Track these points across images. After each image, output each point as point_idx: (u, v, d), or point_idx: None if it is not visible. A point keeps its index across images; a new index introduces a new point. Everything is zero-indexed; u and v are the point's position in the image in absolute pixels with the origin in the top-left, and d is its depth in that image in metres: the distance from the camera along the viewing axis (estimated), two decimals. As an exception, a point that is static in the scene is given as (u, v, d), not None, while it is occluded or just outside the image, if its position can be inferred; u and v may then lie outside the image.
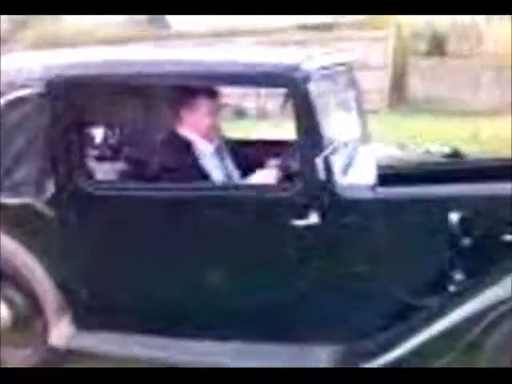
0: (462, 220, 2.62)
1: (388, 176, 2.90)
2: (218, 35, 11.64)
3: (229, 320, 2.83)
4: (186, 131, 3.13)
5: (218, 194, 2.85)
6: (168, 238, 2.87)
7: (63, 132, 2.91)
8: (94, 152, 3.42)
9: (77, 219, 2.95)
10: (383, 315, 2.77)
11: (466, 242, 2.64)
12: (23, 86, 2.93)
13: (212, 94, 3.13)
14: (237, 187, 2.97)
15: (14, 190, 2.99)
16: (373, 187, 2.76)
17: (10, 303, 3.05)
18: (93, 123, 3.52)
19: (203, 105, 3.10)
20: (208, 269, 2.81)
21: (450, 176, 2.97)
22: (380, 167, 3.03)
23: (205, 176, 3.03)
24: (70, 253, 2.98)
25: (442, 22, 11.79)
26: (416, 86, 12.05)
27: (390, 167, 3.24)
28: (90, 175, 3.06)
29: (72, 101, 2.91)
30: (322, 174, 2.60)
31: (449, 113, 10.49)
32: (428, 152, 3.71)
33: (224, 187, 2.95)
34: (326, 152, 2.63)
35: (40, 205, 2.96)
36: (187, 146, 3.09)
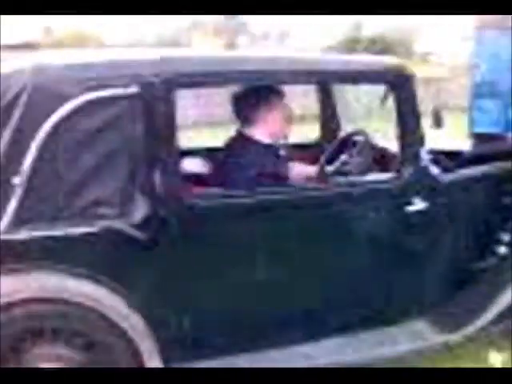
0: None
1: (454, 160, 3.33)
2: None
3: (338, 316, 2.94)
4: (258, 132, 3.09)
5: (340, 192, 2.87)
6: (283, 243, 2.74)
7: (161, 139, 2.53)
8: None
9: (180, 239, 2.58)
10: (455, 284, 3.13)
11: None
12: (110, 86, 2.50)
13: (282, 95, 3.14)
14: (353, 184, 2.96)
15: (88, 212, 2.49)
16: (453, 170, 3.15)
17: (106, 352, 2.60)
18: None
19: (279, 106, 3.11)
20: (333, 265, 2.87)
21: (497, 156, 3.32)
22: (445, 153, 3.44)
23: (286, 177, 3.04)
24: (169, 281, 2.62)
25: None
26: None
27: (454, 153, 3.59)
28: (189, 187, 2.73)
29: (172, 102, 2.55)
30: (425, 163, 2.91)
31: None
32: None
33: (340, 184, 2.96)
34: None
35: (129, 228, 2.50)
36: (274, 149, 3.11)
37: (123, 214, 2.50)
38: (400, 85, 2.87)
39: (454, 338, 2.92)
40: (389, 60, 3.02)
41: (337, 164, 3.14)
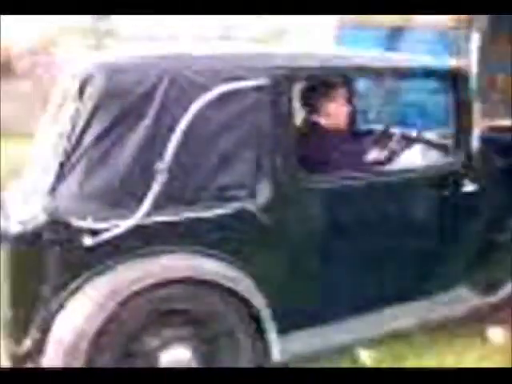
0: None
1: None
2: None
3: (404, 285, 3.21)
4: (325, 120, 3.29)
5: (411, 177, 3.16)
6: (379, 220, 3.06)
7: (283, 127, 2.75)
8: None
9: (298, 221, 2.81)
10: (491, 254, 3.47)
11: None
12: (242, 77, 2.68)
13: (349, 85, 3.51)
14: (414, 170, 3.22)
15: (221, 195, 2.66)
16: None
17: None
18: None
19: (343, 95, 3.36)
20: (407, 240, 3.15)
21: None
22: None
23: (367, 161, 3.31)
24: (288, 262, 2.82)
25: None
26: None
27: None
28: (311, 171, 2.90)
29: (292, 94, 2.81)
30: (474, 150, 3.24)
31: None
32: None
33: (407, 171, 3.22)
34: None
35: (257, 211, 2.68)
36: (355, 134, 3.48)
37: (252, 195, 2.70)
38: (460, 81, 3.22)
39: (494, 299, 3.33)
40: (451, 62, 3.45)
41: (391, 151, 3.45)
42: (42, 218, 2.46)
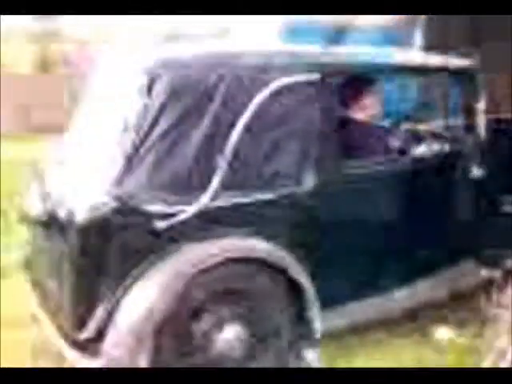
0: None
1: None
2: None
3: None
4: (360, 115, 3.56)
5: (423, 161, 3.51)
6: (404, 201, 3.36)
7: (330, 120, 3.05)
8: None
9: (339, 204, 3.07)
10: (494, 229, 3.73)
11: None
12: (296, 72, 2.94)
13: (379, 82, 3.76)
14: (437, 156, 3.57)
15: (272, 182, 2.90)
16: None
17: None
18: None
19: (375, 91, 3.65)
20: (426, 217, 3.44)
21: None
22: None
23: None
24: (331, 242, 3.04)
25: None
26: None
27: None
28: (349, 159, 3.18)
29: (336, 88, 3.12)
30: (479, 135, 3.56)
31: None
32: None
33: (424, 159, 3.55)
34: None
35: (303, 195, 2.94)
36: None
37: (298, 183, 2.95)
38: (470, 77, 3.56)
39: (497, 274, 3.36)
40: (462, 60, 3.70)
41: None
42: (111, 205, 2.60)
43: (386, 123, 4.00)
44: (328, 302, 2.97)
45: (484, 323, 2.91)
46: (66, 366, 2.75)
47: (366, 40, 4.81)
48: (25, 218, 3.22)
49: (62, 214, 2.75)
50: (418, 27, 4.57)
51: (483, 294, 2.85)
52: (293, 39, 4.93)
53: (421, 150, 3.65)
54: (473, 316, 3.31)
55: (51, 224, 2.82)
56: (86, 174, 2.88)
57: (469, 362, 2.87)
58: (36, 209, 2.99)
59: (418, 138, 3.75)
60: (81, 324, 2.66)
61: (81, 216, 2.63)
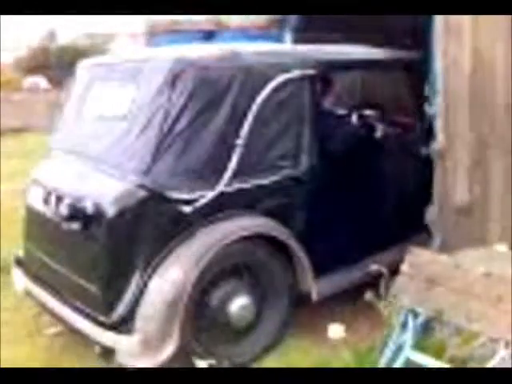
0: None
1: None
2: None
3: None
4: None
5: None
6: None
7: (319, 110, 3.44)
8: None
9: (329, 178, 3.38)
10: None
11: None
12: (294, 68, 3.28)
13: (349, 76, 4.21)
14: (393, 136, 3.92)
15: (274, 165, 3.23)
16: None
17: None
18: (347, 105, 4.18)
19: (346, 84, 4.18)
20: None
21: None
22: None
23: None
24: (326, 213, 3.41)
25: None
26: None
27: None
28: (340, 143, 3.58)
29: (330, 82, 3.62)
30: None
31: None
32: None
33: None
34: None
35: (301, 175, 3.29)
36: None
37: (296, 164, 3.31)
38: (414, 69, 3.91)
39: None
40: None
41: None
42: (140, 193, 2.87)
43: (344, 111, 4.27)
44: (320, 270, 3.31)
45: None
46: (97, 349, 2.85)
47: (240, 38, 4.88)
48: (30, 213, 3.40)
49: (86, 206, 2.91)
50: (287, 26, 4.75)
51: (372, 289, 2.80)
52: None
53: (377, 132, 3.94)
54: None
55: (71, 217, 2.97)
56: (110, 166, 3.05)
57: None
58: (41, 203, 3.22)
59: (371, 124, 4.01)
60: (108, 309, 2.86)
61: (110, 206, 2.85)
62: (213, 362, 2.90)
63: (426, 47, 3.90)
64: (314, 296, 3.30)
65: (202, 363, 2.87)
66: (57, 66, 20.88)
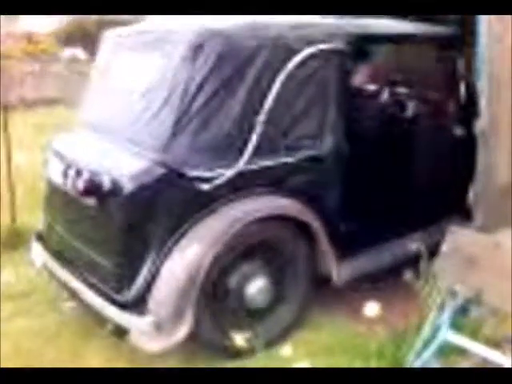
0: None
1: None
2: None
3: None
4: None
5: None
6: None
7: (348, 89, 3.29)
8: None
9: (358, 159, 3.26)
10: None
11: None
12: (322, 41, 3.14)
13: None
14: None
15: (295, 145, 3.11)
16: None
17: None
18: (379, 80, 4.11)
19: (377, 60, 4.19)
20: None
21: None
22: None
23: None
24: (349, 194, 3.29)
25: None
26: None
27: None
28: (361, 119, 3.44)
29: (363, 59, 3.58)
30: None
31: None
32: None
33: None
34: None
35: (323, 155, 3.16)
36: None
37: (320, 143, 3.19)
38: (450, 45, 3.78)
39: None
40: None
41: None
42: (158, 171, 2.79)
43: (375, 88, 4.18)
44: (344, 253, 3.24)
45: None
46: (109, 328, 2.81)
47: None
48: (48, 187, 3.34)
49: (103, 181, 2.84)
50: None
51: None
52: None
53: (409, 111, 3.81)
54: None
55: (87, 192, 2.89)
56: (130, 142, 2.99)
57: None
58: (60, 176, 3.12)
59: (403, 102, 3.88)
60: (122, 288, 2.81)
61: (127, 183, 2.77)
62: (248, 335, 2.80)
63: (471, 24, 3.65)
64: (336, 279, 3.23)
65: (238, 337, 2.76)
66: (95, 37, 21.00)
